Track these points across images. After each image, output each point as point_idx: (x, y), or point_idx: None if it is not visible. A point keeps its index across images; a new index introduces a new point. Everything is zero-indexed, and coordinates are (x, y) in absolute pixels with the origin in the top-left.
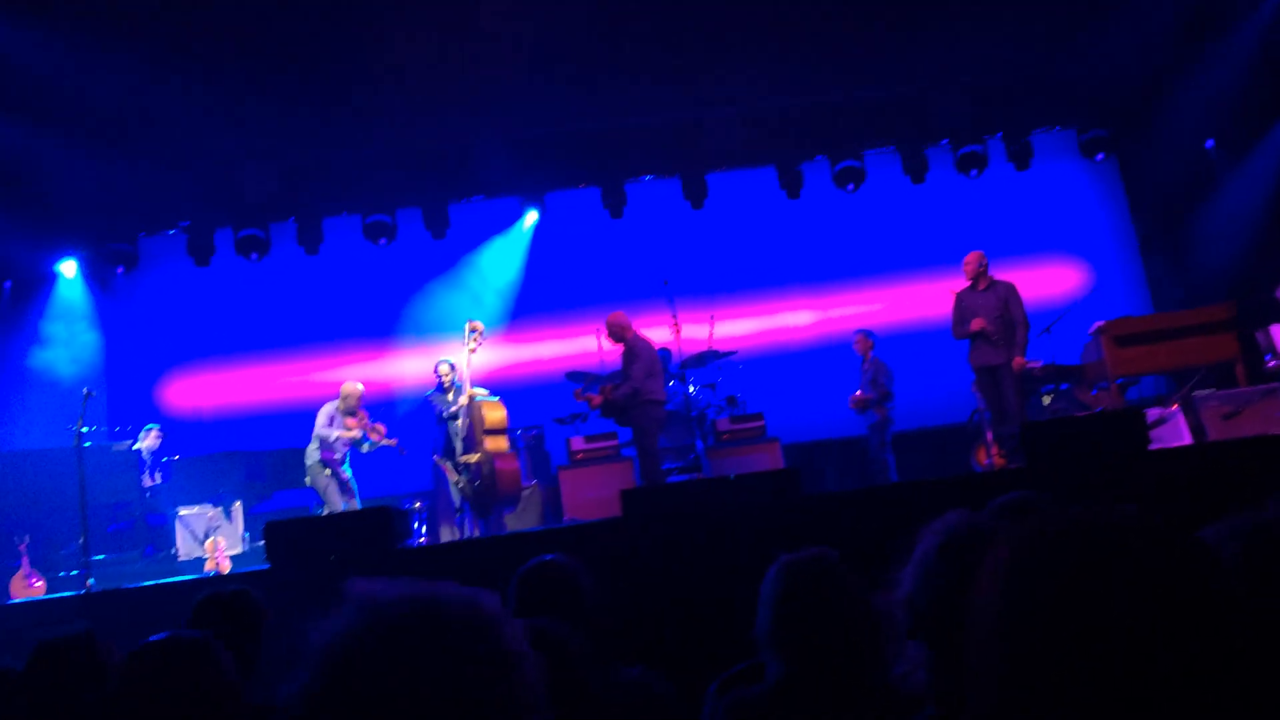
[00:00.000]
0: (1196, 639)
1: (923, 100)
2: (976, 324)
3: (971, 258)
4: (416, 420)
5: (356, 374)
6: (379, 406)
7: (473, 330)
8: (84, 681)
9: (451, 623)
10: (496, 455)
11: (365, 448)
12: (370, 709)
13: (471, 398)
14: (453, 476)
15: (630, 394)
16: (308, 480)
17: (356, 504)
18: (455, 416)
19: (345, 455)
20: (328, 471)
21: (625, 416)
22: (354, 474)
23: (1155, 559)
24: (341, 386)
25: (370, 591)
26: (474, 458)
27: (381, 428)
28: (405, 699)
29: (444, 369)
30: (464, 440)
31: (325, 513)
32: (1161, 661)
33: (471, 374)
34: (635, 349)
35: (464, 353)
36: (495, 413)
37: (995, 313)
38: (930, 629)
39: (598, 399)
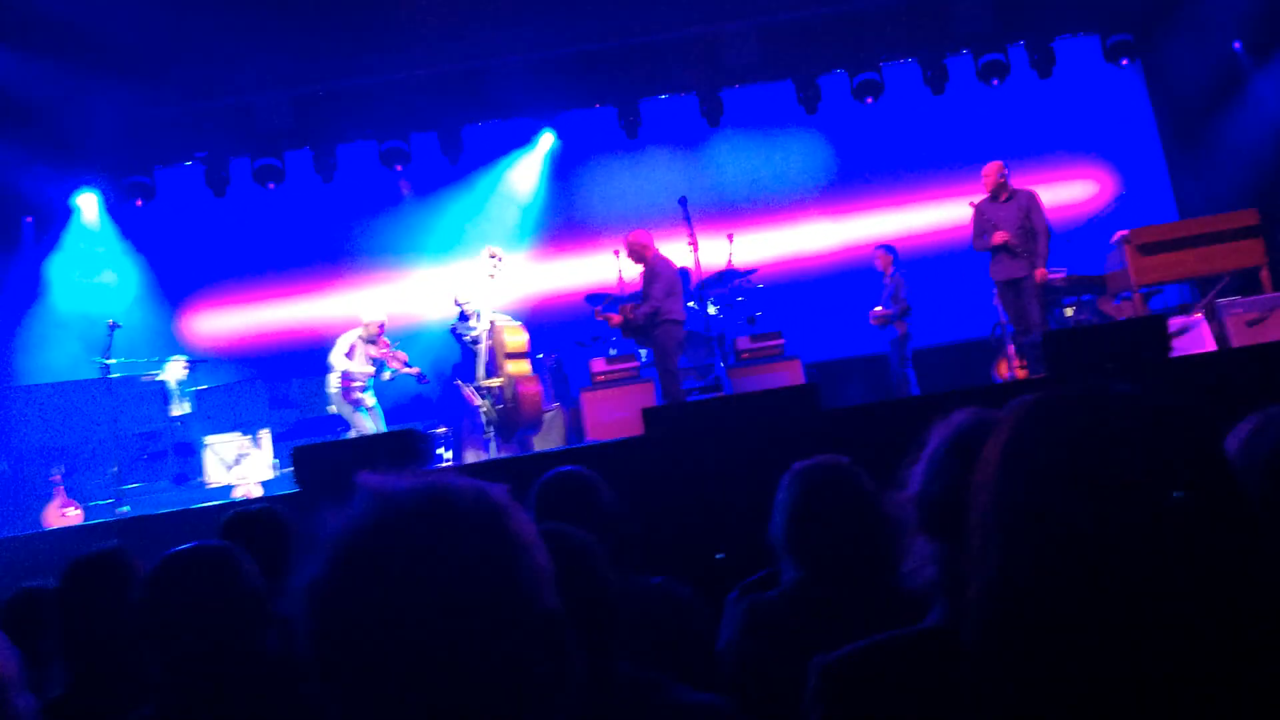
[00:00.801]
0: (1195, 501)
1: (943, 7)
2: (999, 237)
3: (990, 168)
4: (438, 348)
5: (375, 299)
6: (407, 335)
7: (491, 256)
8: (116, 594)
9: (460, 509)
10: (518, 379)
11: (386, 375)
12: (379, 594)
13: (492, 323)
14: (476, 400)
15: (651, 313)
16: (331, 409)
17: (382, 428)
18: (477, 341)
19: (368, 383)
20: (349, 401)
21: (645, 336)
22: (379, 401)
23: (1155, 423)
24: (362, 315)
25: (379, 482)
26: (496, 382)
27: (403, 355)
28: (414, 584)
29: (463, 296)
30: (486, 365)
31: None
32: (1159, 522)
33: (491, 299)
34: (656, 268)
35: (483, 278)
36: (516, 337)
37: (1016, 223)
38: (939, 522)
39: (617, 318)
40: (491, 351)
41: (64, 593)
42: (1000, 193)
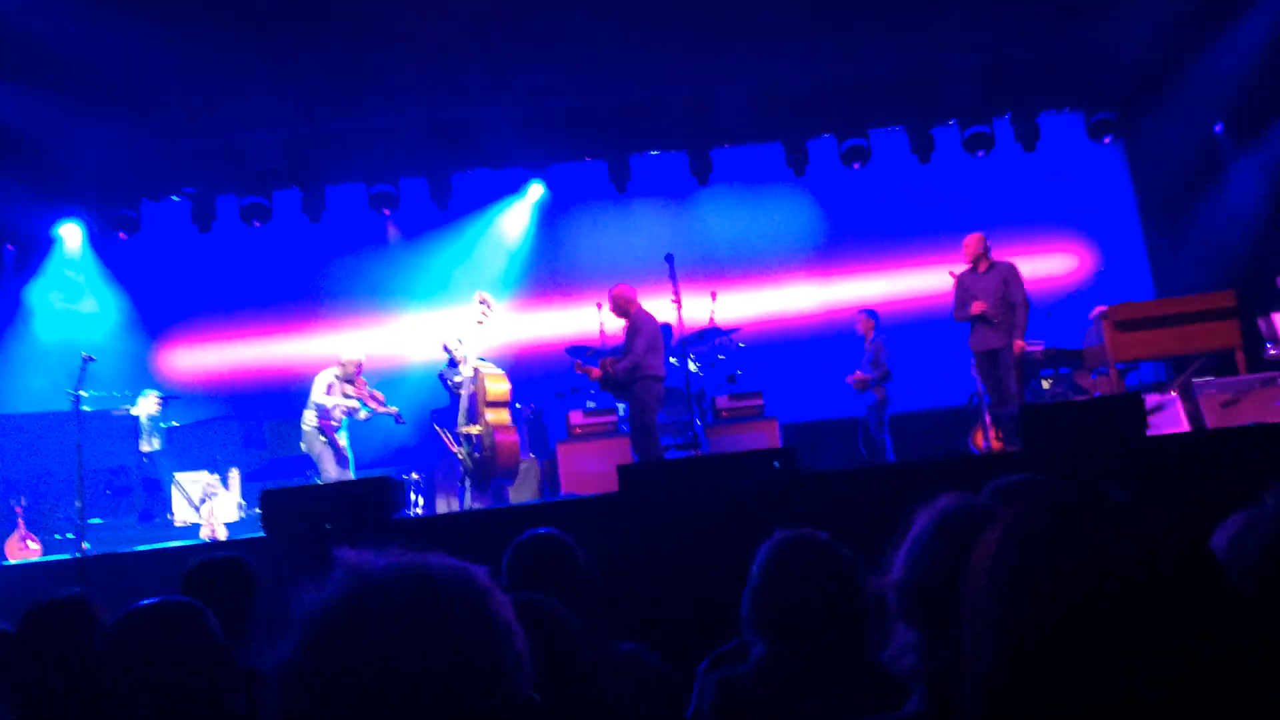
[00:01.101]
0: (1190, 620)
1: (932, 78)
2: (976, 307)
3: (971, 239)
4: (418, 391)
5: (356, 340)
6: (388, 378)
7: (481, 302)
8: (77, 644)
9: (440, 592)
10: (497, 428)
11: (363, 414)
12: (356, 676)
13: (476, 370)
14: (453, 447)
15: (631, 368)
16: (303, 447)
17: (351, 472)
18: (460, 386)
19: (343, 423)
20: (323, 439)
21: (624, 391)
22: (351, 442)
23: (1152, 538)
24: (341, 353)
25: (359, 560)
26: (475, 429)
27: (380, 395)
28: (392, 667)
29: (452, 342)
30: (467, 411)
31: (320, 480)
32: (1155, 639)
33: (477, 346)
34: (638, 323)
35: (471, 324)
36: (499, 385)
37: (996, 295)
38: (921, 611)
39: (597, 372)
40: (473, 398)
41: (21, 640)
42: (980, 263)
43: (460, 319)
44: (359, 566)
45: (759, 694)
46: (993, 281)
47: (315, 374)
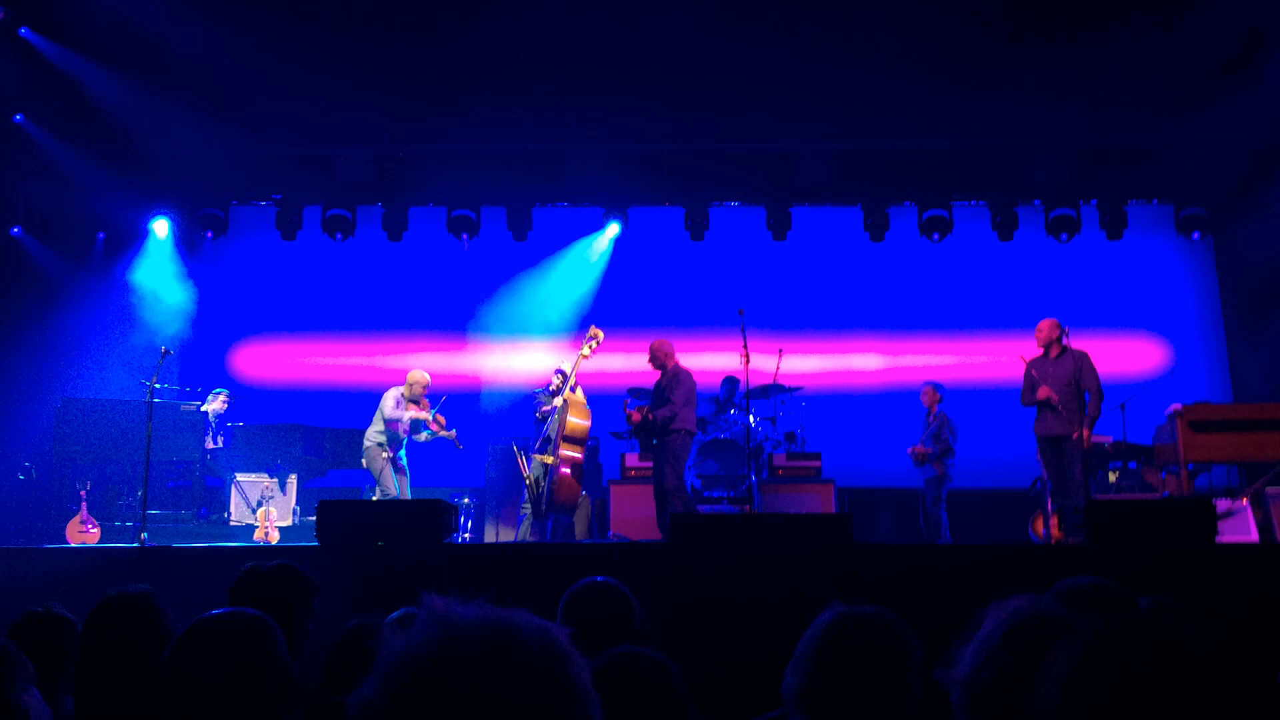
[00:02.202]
0: None
1: (1020, 157)
2: (1043, 392)
3: (1045, 325)
4: (477, 415)
5: (424, 365)
6: (464, 399)
7: (592, 337)
8: (143, 642)
9: (524, 651)
10: (570, 462)
11: (423, 436)
12: None
13: (566, 400)
14: (525, 472)
15: (670, 418)
16: (364, 462)
17: (408, 491)
18: (549, 415)
19: (403, 441)
20: (386, 455)
21: (657, 440)
22: (408, 460)
23: (1223, 682)
24: (409, 374)
25: (446, 609)
26: (548, 459)
27: (442, 419)
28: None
29: (557, 378)
30: (546, 441)
31: (378, 496)
32: None
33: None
34: (678, 376)
35: (576, 356)
36: (580, 421)
37: (1065, 382)
38: (986, 713)
39: (636, 415)
40: (557, 429)
41: (88, 631)
42: (1052, 349)
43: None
44: (446, 616)
45: None
46: (1064, 368)
47: (381, 390)
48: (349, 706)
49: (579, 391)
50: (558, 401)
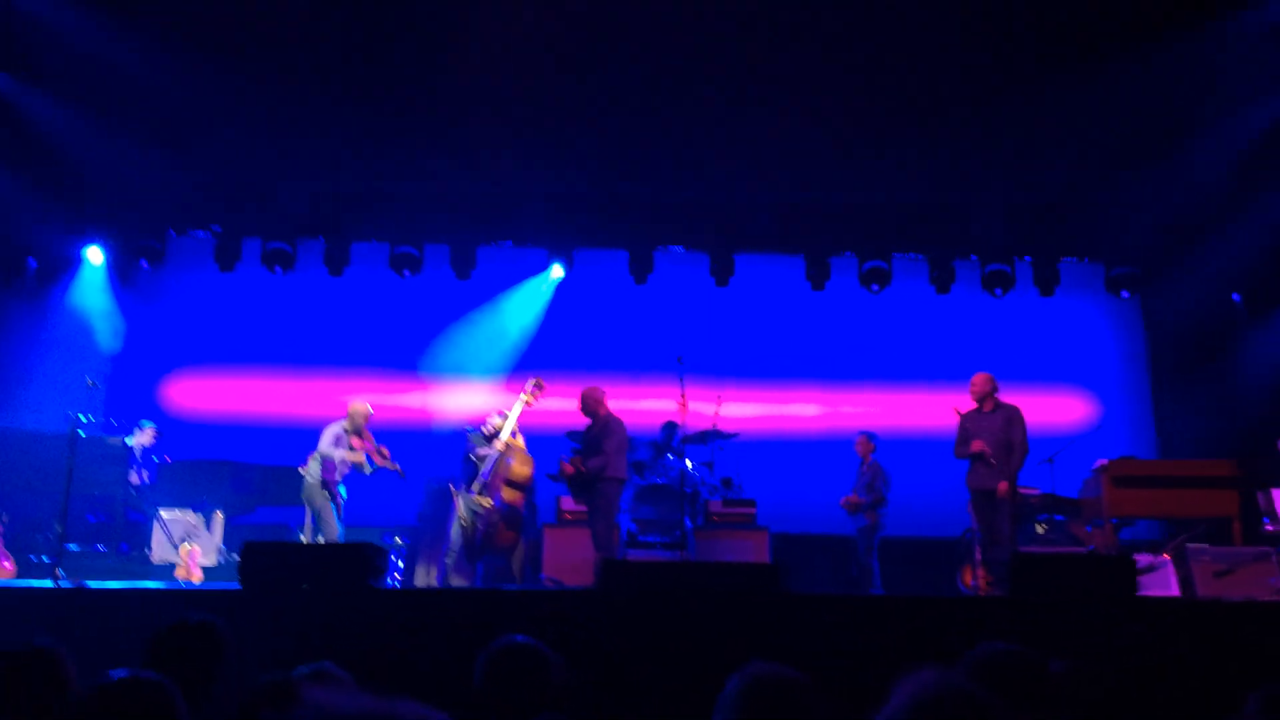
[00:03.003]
0: None
1: (958, 212)
2: (976, 446)
3: (979, 379)
4: (413, 454)
5: (366, 400)
6: (400, 437)
7: (535, 385)
8: (44, 700)
9: None
10: (509, 505)
11: (368, 469)
12: None
13: (508, 445)
14: (461, 513)
15: (602, 467)
16: (303, 497)
17: (340, 527)
18: (484, 459)
19: (343, 476)
20: (326, 492)
21: (588, 490)
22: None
23: None
24: (350, 406)
25: (327, 703)
26: (485, 502)
27: (386, 450)
28: None
29: (496, 421)
30: (484, 485)
31: (315, 534)
32: None
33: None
34: (609, 425)
35: (519, 402)
36: (523, 468)
37: (998, 436)
38: None
39: (570, 469)
40: (493, 473)
41: None
42: (986, 403)
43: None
44: (324, 711)
45: None
46: (996, 422)
47: (316, 426)
48: None
49: (520, 438)
50: (499, 445)
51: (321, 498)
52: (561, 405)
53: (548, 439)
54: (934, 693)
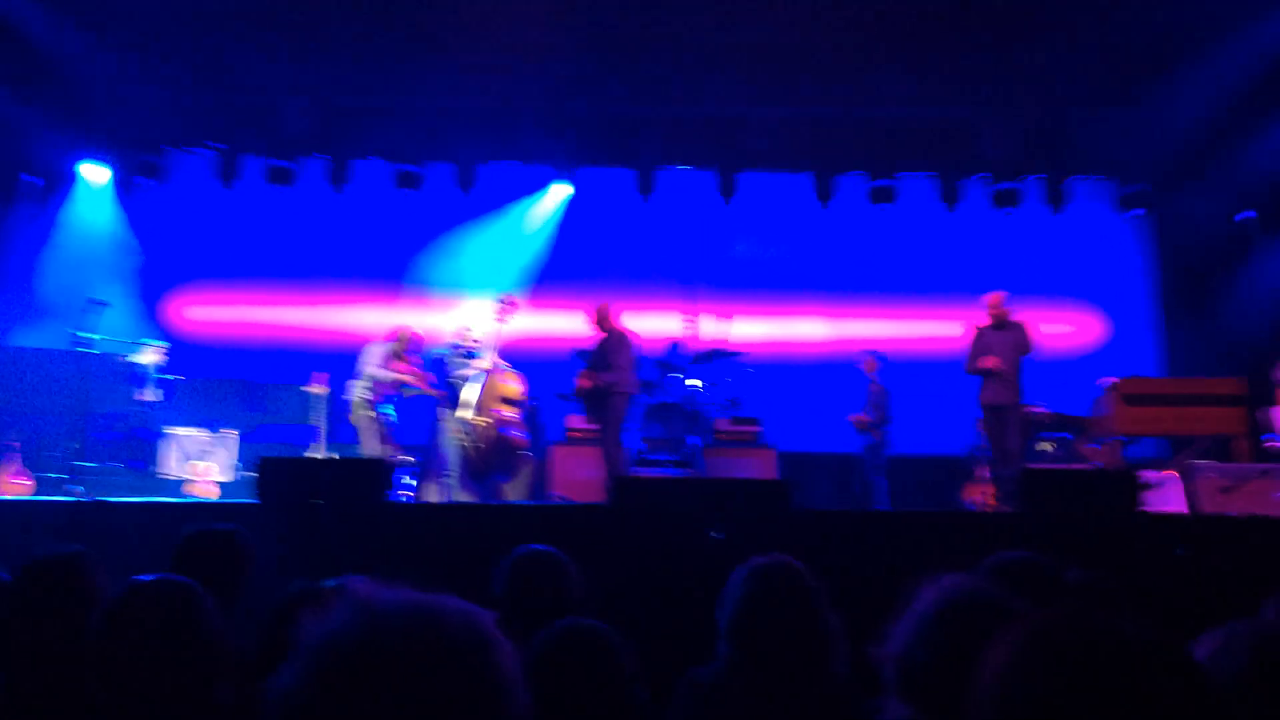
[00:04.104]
0: None
1: (967, 130)
2: (991, 361)
3: (995, 297)
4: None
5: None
6: None
7: (508, 302)
8: (72, 606)
9: (448, 639)
10: (506, 423)
11: (407, 392)
12: (354, 715)
13: (495, 364)
14: (457, 434)
15: (615, 381)
16: (351, 417)
17: (394, 443)
18: (470, 378)
19: (383, 397)
20: (371, 413)
21: (599, 404)
22: (341, 418)
23: (1161, 684)
24: (398, 330)
25: (369, 593)
26: (483, 421)
27: (432, 377)
28: (391, 712)
29: (475, 332)
30: (475, 404)
31: (362, 453)
32: None
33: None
34: (623, 339)
35: (491, 320)
36: (513, 385)
37: (1010, 352)
38: (919, 691)
39: (587, 384)
40: (483, 391)
41: (15, 592)
42: (999, 319)
43: (481, 312)
44: (368, 602)
45: (720, 696)
46: (1009, 338)
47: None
48: (268, 693)
49: (502, 361)
50: (483, 363)
51: (366, 419)
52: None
53: (556, 360)
54: (959, 595)
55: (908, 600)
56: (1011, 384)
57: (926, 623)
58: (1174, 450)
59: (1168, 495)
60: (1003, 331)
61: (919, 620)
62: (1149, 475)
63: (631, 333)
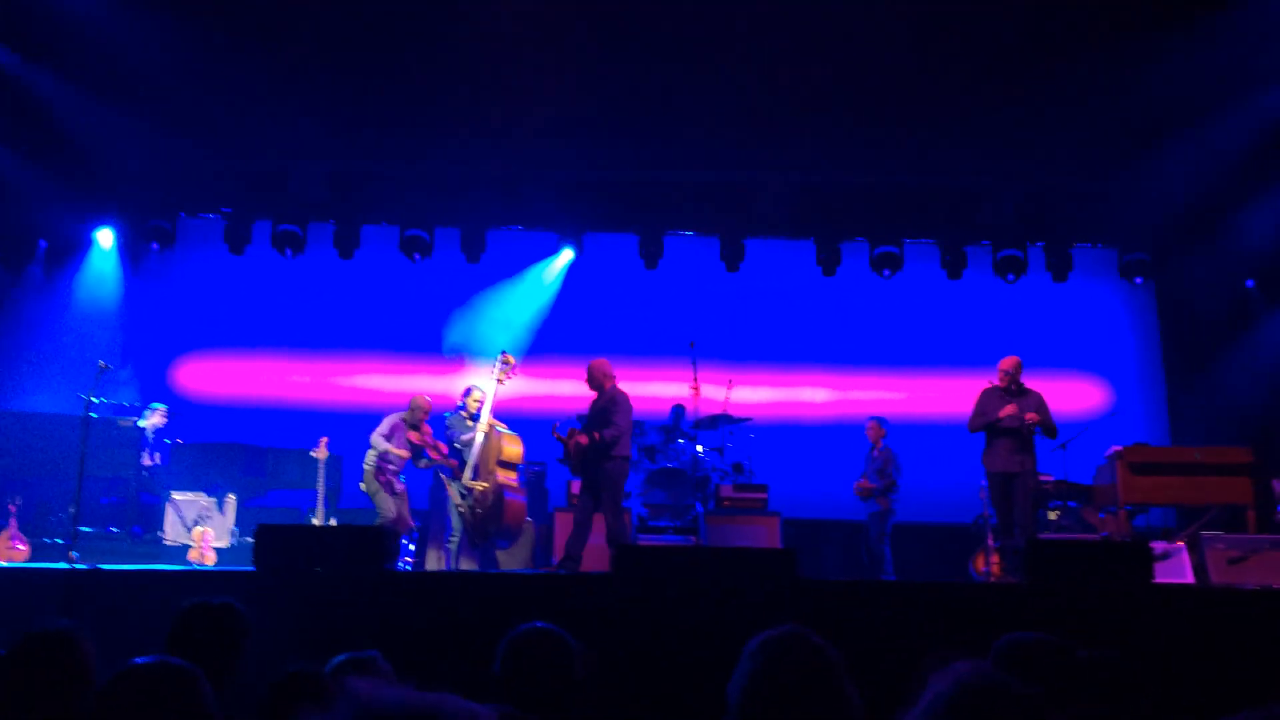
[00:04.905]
0: None
1: (969, 198)
2: (1007, 409)
3: (1010, 361)
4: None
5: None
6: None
7: (505, 362)
8: (65, 683)
9: None
10: (506, 487)
11: (422, 463)
12: None
13: (492, 426)
14: (455, 500)
15: (615, 439)
16: (362, 486)
17: (407, 514)
18: (470, 442)
19: (402, 466)
20: (379, 480)
21: (593, 467)
22: (350, 483)
23: None
24: (411, 399)
25: (369, 694)
26: (481, 485)
27: (444, 446)
28: None
29: (476, 394)
30: (474, 467)
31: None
32: None
33: (494, 403)
34: (616, 400)
35: (491, 381)
36: (513, 447)
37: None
38: None
39: (585, 440)
40: (483, 454)
41: (5, 670)
42: (1012, 385)
43: (481, 375)
44: (368, 704)
45: None
46: (1024, 405)
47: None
48: None
49: (500, 422)
50: (482, 426)
51: (375, 485)
52: (572, 388)
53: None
54: (973, 685)
55: (918, 682)
56: (1024, 449)
57: (936, 714)
58: (1183, 521)
59: (1177, 566)
60: (1015, 398)
61: (927, 711)
62: (1158, 546)
63: (624, 393)
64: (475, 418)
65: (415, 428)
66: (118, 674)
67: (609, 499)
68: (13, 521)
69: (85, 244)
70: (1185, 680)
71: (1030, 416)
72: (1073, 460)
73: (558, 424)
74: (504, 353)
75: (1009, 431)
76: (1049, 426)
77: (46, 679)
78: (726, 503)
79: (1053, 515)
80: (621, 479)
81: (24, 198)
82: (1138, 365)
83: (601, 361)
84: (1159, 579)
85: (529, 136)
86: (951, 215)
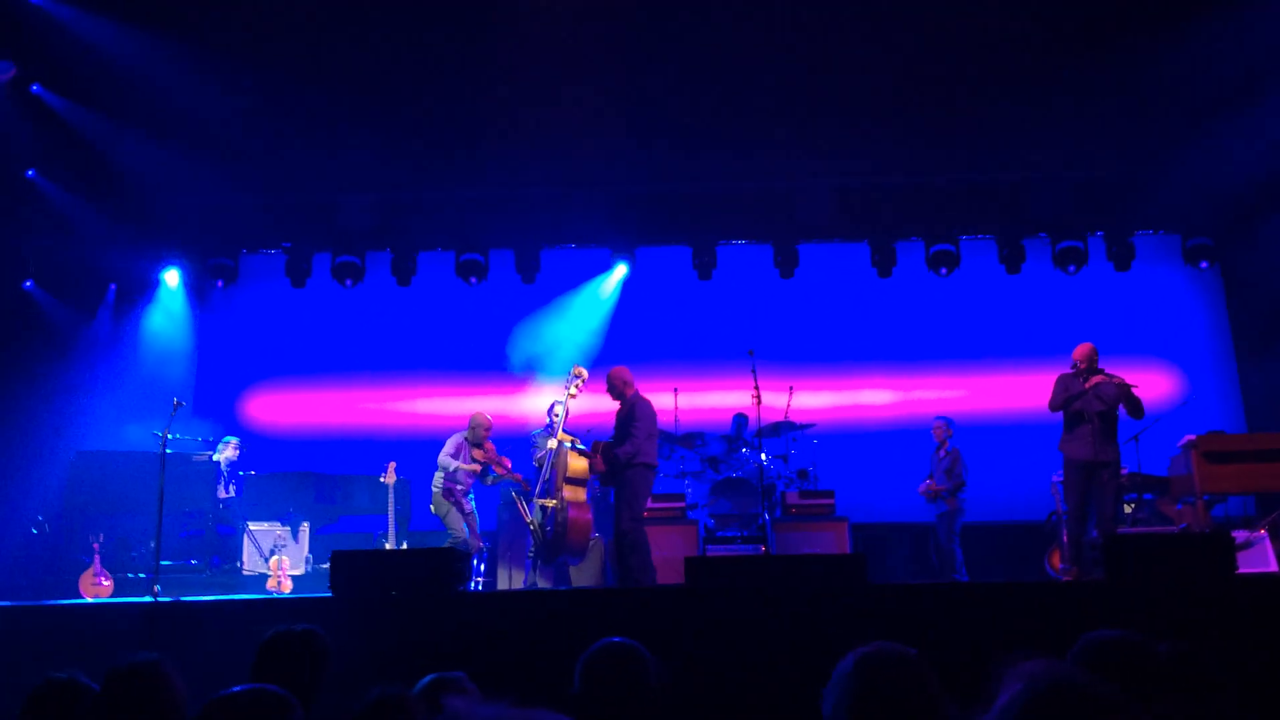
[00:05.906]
0: None
1: (1025, 191)
2: (1094, 379)
3: (1085, 349)
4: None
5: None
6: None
7: (576, 376)
8: (155, 715)
9: None
10: (572, 504)
11: (489, 480)
12: None
13: (560, 443)
14: (527, 518)
15: (634, 453)
16: (432, 508)
17: (477, 533)
18: (543, 458)
19: (470, 485)
20: (449, 501)
21: (614, 477)
22: (421, 502)
23: None
24: (471, 417)
25: (469, 713)
26: (551, 503)
27: (508, 461)
28: None
29: (558, 409)
30: (545, 484)
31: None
32: None
33: (567, 419)
34: (636, 408)
35: (564, 396)
36: (579, 462)
37: (1109, 404)
38: None
39: (601, 465)
40: (553, 472)
41: (101, 705)
42: (1090, 373)
43: (555, 390)
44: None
45: None
46: (1108, 391)
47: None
48: None
49: (571, 436)
50: (551, 444)
51: (446, 506)
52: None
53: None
54: (1049, 685)
55: (993, 684)
56: (1109, 438)
57: (1014, 716)
58: (1262, 508)
59: (1259, 555)
60: (1098, 385)
61: (1003, 713)
62: (1239, 535)
63: (646, 400)
64: (552, 433)
65: (478, 445)
66: (211, 702)
67: (624, 505)
68: (96, 559)
69: (153, 285)
70: (1275, 672)
71: (1101, 381)
72: (1146, 451)
73: (580, 439)
74: (576, 365)
75: (1094, 417)
76: (1134, 402)
77: (137, 713)
78: (793, 510)
79: (1128, 508)
80: (642, 486)
81: (93, 243)
82: (1209, 351)
83: (620, 370)
84: (1242, 569)
85: (577, 155)
86: (1007, 210)
